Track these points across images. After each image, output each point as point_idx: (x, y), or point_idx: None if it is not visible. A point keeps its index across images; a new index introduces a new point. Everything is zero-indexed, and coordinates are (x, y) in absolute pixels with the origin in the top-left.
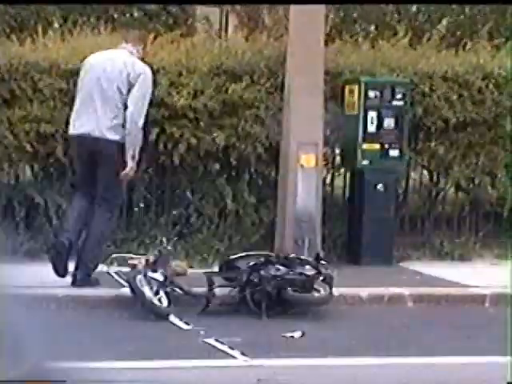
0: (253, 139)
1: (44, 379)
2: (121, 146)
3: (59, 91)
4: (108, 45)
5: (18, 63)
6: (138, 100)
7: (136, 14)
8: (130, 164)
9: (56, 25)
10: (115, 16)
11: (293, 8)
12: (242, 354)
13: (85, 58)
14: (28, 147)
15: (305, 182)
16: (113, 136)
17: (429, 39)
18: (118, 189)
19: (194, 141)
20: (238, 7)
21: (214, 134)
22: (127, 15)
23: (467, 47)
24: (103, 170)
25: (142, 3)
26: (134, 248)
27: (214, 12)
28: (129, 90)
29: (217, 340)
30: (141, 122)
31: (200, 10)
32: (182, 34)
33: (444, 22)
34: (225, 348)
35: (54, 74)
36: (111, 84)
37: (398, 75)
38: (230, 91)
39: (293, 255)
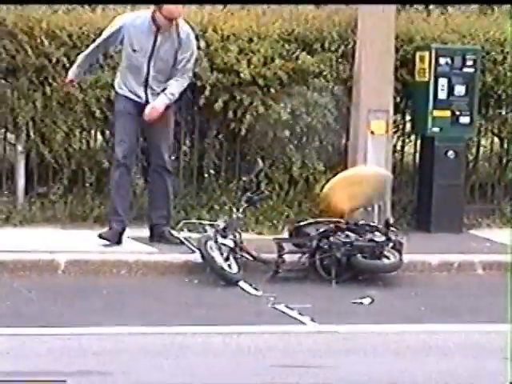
0: (322, 108)
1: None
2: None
3: None
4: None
5: (89, 30)
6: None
7: None
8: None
9: None
10: None
11: None
12: (312, 320)
13: None
14: (98, 113)
15: (375, 148)
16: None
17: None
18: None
19: (262, 108)
20: None
21: (282, 104)
22: None
23: None
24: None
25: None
26: (204, 214)
27: None
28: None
29: (286, 306)
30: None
31: None
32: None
33: None
34: (294, 314)
35: None
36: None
37: (468, 42)
38: (300, 59)
39: (362, 222)
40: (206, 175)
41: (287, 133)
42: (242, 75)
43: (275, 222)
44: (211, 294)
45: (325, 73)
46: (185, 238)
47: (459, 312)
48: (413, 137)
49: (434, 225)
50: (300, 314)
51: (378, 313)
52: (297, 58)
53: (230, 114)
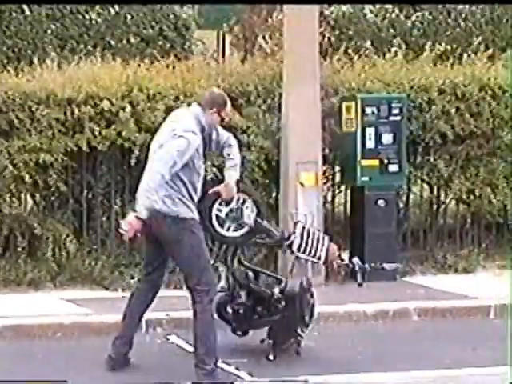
0: (250, 163)
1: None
2: (177, 219)
3: (56, 121)
4: (104, 73)
5: (15, 94)
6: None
7: (133, 40)
8: (129, 217)
9: (53, 53)
10: (112, 43)
11: (287, 26)
12: (249, 374)
13: (80, 87)
14: (27, 177)
15: (305, 200)
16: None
17: (423, 53)
18: (198, 270)
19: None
20: (234, 29)
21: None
22: (124, 42)
23: (463, 59)
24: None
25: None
26: (138, 273)
27: (210, 35)
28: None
29: (224, 362)
30: (156, 176)
31: (197, 34)
32: (179, 58)
33: (431, 37)
34: (232, 370)
35: (51, 104)
36: None
37: (394, 90)
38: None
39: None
40: (139, 234)
41: None
42: None
43: None
44: (148, 351)
45: (251, 128)
46: None
47: (396, 360)
48: (343, 187)
49: (368, 274)
50: (237, 368)
51: (315, 363)
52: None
53: None
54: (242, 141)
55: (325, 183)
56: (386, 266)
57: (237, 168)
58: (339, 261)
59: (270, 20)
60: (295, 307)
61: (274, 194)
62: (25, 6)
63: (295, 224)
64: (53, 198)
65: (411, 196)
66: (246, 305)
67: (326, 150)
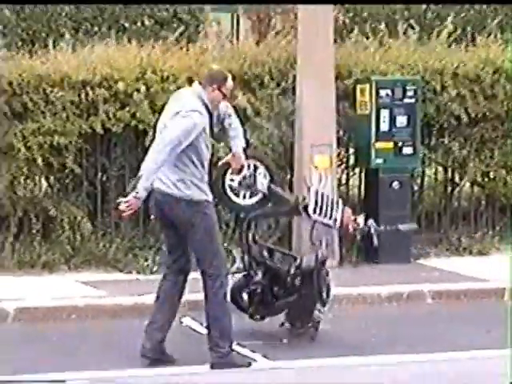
0: (264, 145)
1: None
2: (191, 203)
3: (71, 103)
4: (118, 56)
5: (30, 76)
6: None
7: (147, 23)
8: (129, 197)
9: (67, 36)
10: (126, 25)
11: (301, 9)
12: (264, 356)
13: (95, 69)
14: (41, 160)
15: (320, 183)
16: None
17: (438, 35)
18: (211, 254)
19: None
20: (249, 13)
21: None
22: (138, 24)
23: (477, 42)
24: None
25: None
26: (152, 255)
27: (225, 17)
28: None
29: (238, 344)
30: (158, 156)
31: (212, 15)
32: (192, 40)
33: (450, 18)
34: (246, 352)
35: (65, 86)
36: None
37: (408, 73)
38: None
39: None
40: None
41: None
42: None
43: None
44: None
45: (264, 110)
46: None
47: (410, 342)
48: (357, 170)
49: (382, 256)
50: (252, 351)
51: (330, 346)
52: (235, 97)
53: None
54: (257, 123)
55: (339, 166)
56: (401, 226)
57: (240, 136)
58: (354, 224)
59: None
60: (312, 283)
61: (288, 177)
62: None
63: (308, 189)
64: (67, 181)
65: (425, 179)
66: (263, 284)
67: (341, 133)
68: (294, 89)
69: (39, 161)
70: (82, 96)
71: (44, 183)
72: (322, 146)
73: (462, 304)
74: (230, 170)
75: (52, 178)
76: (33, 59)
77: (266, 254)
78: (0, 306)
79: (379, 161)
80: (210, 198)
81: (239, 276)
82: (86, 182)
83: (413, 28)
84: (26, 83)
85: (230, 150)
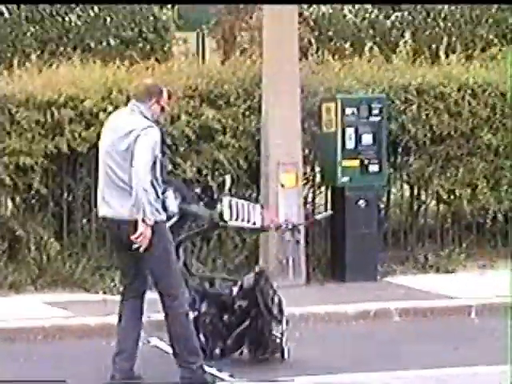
0: (229, 163)
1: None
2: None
3: (36, 123)
4: (82, 75)
5: None
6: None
7: (112, 42)
8: (140, 229)
9: (33, 56)
10: (92, 45)
11: (266, 27)
12: (231, 376)
13: (60, 88)
14: (8, 180)
15: (286, 201)
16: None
17: (400, 52)
18: (168, 274)
19: (170, 167)
20: (214, 31)
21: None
22: (104, 43)
23: (441, 59)
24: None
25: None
26: (118, 275)
27: (191, 36)
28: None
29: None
30: (145, 179)
31: (177, 35)
32: (158, 60)
33: (407, 34)
34: (214, 371)
35: (30, 106)
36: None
37: (373, 91)
38: (204, 116)
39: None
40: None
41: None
42: None
43: None
44: None
45: (229, 129)
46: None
47: (377, 361)
48: (323, 188)
49: (349, 274)
50: (219, 370)
51: (297, 365)
52: (201, 114)
53: None
54: (222, 141)
55: (305, 184)
56: (318, 216)
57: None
58: (275, 223)
59: (249, 21)
60: (258, 302)
61: (254, 195)
62: (3, 8)
63: (221, 199)
64: (33, 201)
65: (391, 196)
66: (211, 313)
67: (306, 151)
68: (259, 107)
69: (5, 181)
70: (48, 116)
71: (10, 203)
72: (288, 164)
73: (429, 321)
74: None
75: (18, 198)
76: None
77: (206, 284)
78: None
79: (345, 179)
80: (164, 216)
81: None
82: (51, 202)
83: (378, 46)
84: None
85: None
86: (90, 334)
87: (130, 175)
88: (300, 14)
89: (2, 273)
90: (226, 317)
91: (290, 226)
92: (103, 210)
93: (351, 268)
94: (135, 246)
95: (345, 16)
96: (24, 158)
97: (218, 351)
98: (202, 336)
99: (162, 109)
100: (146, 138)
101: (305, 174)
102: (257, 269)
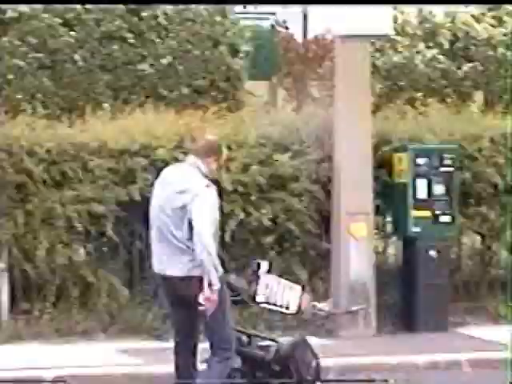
0: (302, 212)
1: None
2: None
3: (109, 170)
4: (156, 123)
5: (68, 145)
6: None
7: (185, 91)
8: (207, 293)
9: (106, 104)
10: (164, 93)
11: (338, 76)
12: None
13: (133, 137)
14: (80, 227)
15: (357, 251)
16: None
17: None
18: (220, 329)
19: (243, 216)
20: (286, 80)
21: (263, 211)
22: (176, 92)
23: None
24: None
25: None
26: None
27: (262, 86)
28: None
29: None
30: (209, 242)
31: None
32: (231, 109)
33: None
34: None
35: (103, 154)
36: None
37: (445, 140)
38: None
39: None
40: None
41: (269, 239)
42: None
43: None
44: None
45: (302, 177)
46: None
47: None
48: (394, 238)
49: (420, 324)
50: None
51: None
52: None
53: None
54: (294, 189)
55: (376, 234)
56: (353, 308)
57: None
58: (312, 309)
59: (319, 69)
60: (291, 370)
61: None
62: (77, 57)
63: (258, 276)
64: (105, 248)
65: (463, 246)
66: (243, 371)
67: (378, 201)
68: (331, 156)
69: (78, 228)
70: (121, 164)
71: (82, 250)
72: (359, 214)
73: (500, 373)
74: None
75: (90, 245)
76: (71, 127)
77: (244, 339)
78: (38, 374)
79: (417, 229)
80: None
81: None
82: (123, 250)
83: (451, 97)
84: (64, 151)
85: None
86: (159, 383)
87: (184, 233)
88: (372, 64)
89: (73, 319)
90: (258, 374)
91: (324, 314)
92: (158, 267)
93: (422, 318)
94: (201, 308)
95: (416, 66)
96: (96, 205)
97: None
98: None
99: (219, 168)
100: (206, 198)
101: (376, 223)
102: (299, 338)
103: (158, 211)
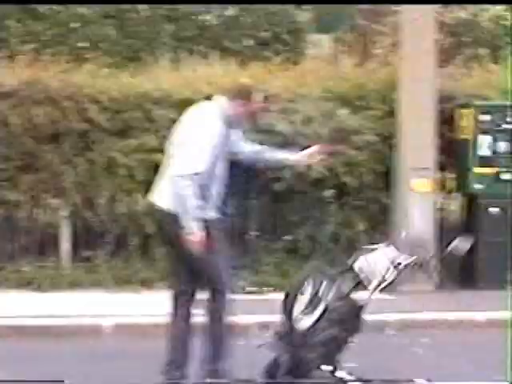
0: (363, 166)
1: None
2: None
3: (171, 121)
4: (219, 74)
5: (132, 94)
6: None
7: (248, 43)
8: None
9: (169, 55)
10: (227, 45)
11: (403, 32)
12: None
13: (196, 87)
14: (141, 177)
15: (419, 206)
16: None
17: None
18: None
19: (302, 167)
20: (349, 35)
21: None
22: (239, 44)
23: None
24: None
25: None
26: (248, 275)
27: (324, 39)
28: None
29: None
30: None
31: (313, 37)
32: (294, 61)
33: None
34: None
35: (166, 105)
36: None
37: (510, 98)
38: (339, 117)
39: None
40: (250, 235)
41: (329, 192)
42: (282, 135)
43: None
44: None
45: (366, 131)
46: None
47: (502, 368)
48: (457, 194)
49: (480, 282)
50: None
51: (427, 370)
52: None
53: (270, 174)
54: (357, 142)
55: (438, 190)
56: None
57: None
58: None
59: (384, 26)
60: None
61: (385, 199)
62: (140, 6)
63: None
64: None
65: None
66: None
67: (441, 157)
68: (394, 112)
69: (139, 178)
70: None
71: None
72: (422, 170)
73: None
74: None
75: None
76: (134, 77)
77: None
78: (97, 323)
79: (479, 186)
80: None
81: None
82: None
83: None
84: (127, 100)
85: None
86: None
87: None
88: (438, 20)
89: (133, 269)
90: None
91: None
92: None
93: (482, 275)
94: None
95: (480, 23)
96: (159, 155)
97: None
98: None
99: (250, 113)
100: (199, 139)
101: (438, 179)
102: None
103: (168, 144)
